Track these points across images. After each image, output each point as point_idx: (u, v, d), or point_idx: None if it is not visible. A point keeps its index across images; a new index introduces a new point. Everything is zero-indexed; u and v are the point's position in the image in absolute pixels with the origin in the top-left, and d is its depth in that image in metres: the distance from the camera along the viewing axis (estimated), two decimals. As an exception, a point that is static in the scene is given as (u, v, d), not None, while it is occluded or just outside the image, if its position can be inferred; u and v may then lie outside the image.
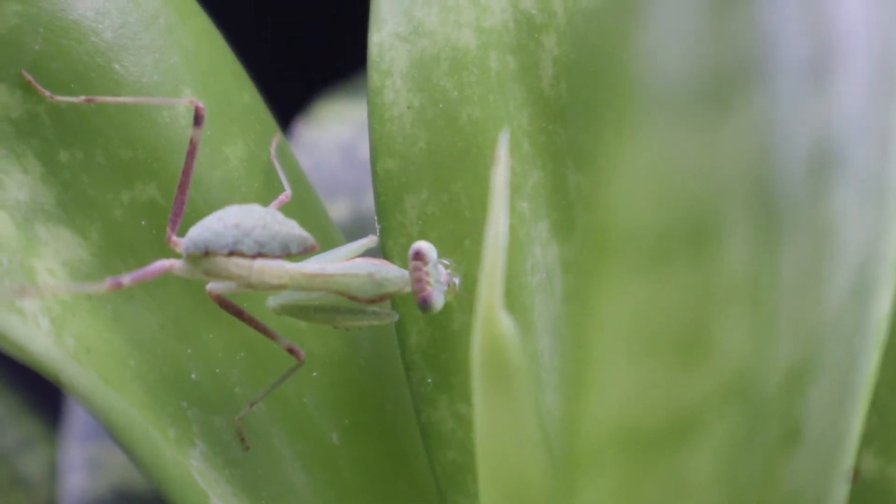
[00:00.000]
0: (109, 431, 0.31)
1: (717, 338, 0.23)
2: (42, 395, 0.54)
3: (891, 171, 0.24)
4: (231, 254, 0.33)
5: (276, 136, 0.38)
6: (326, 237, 0.38)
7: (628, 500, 0.25)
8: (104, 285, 0.31)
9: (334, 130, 0.54)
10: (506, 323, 0.26)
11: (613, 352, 0.23)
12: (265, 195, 0.36)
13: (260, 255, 0.33)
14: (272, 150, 0.37)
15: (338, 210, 0.51)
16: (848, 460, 0.28)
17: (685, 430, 0.24)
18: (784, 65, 0.21)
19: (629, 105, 0.21)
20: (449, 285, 0.34)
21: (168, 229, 0.34)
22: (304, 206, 0.38)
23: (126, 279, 0.32)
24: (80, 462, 0.50)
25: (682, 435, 0.24)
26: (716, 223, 0.22)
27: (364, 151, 0.36)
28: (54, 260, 0.34)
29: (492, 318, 0.26)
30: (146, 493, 0.49)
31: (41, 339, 0.31)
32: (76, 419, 0.50)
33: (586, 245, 0.22)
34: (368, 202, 0.36)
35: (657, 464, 0.25)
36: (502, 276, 0.26)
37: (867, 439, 0.39)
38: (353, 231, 0.36)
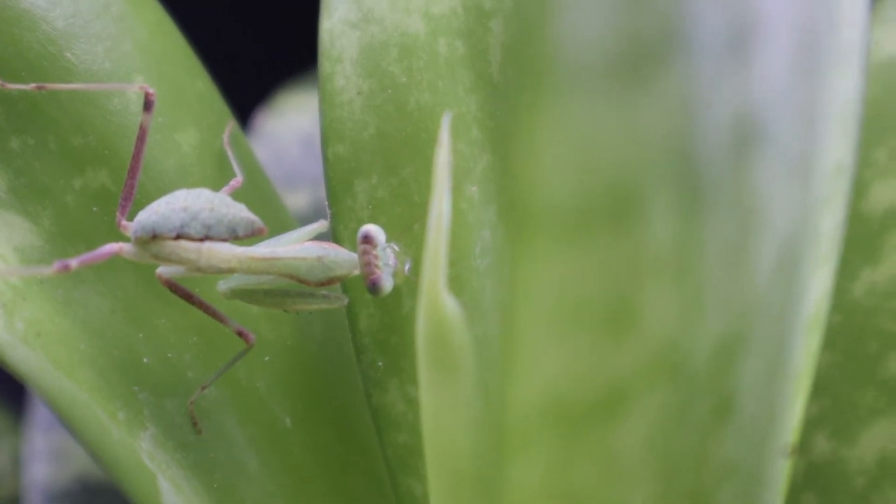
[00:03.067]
0: (56, 413, 0.31)
1: (644, 310, 0.23)
2: (5, 386, 0.54)
3: (817, 148, 0.24)
4: (178, 237, 0.33)
5: (230, 124, 0.38)
6: (280, 225, 0.38)
7: (561, 475, 0.26)
8: (52, 268, 0.32)
9: (294, 121, 0.54)
10: (449, 304, 0.27)
11: (540, 325, 0.23)
12: (218, 182, 0.37)
13: (207, 238, 0.33)
14: (225, 138, 0.37)
15: (298, 200, 0.52)
16: (784, 435, 0.28)
17: (615, 403, 0.24)
18: (702, 38, 0.21)
19: (547, 81, 0.21)
20: (397, 269, 0.34)
21: (118, 213, 0.34)
22: (258, 194, 0.38)
23: (74, 262, 0.32)
24: (44, 452, 0.50)
25: (612, 408, 0.24)
26: (637, 196, 0.22)
27: (323, 142, 0.36)
28: (5, 245, 0.34)
29: (435, 299, 0.26)
30: (110, 483, 0.49)
31: (-10, 322, 0.32)
32: (40, 410, 0.50)
33: (510, 221, 0.22)
34: (328, 192, 0.36)
35: (588, 438, 0.25)
36: (446, 258, 0.26)
37: (819, 422, 0.39)
38: (314, 220, 0.36)
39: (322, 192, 0.52)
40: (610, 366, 0.24)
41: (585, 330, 0.23)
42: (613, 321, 0.23)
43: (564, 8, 0.21)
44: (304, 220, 0.43)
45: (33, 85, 0.34)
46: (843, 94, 0.28)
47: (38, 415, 0.50)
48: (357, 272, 0.34)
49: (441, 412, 0.28)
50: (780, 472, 0.29)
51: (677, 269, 0.23)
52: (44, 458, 0.50)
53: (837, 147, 0.29)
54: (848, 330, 0.39)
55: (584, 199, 0.22)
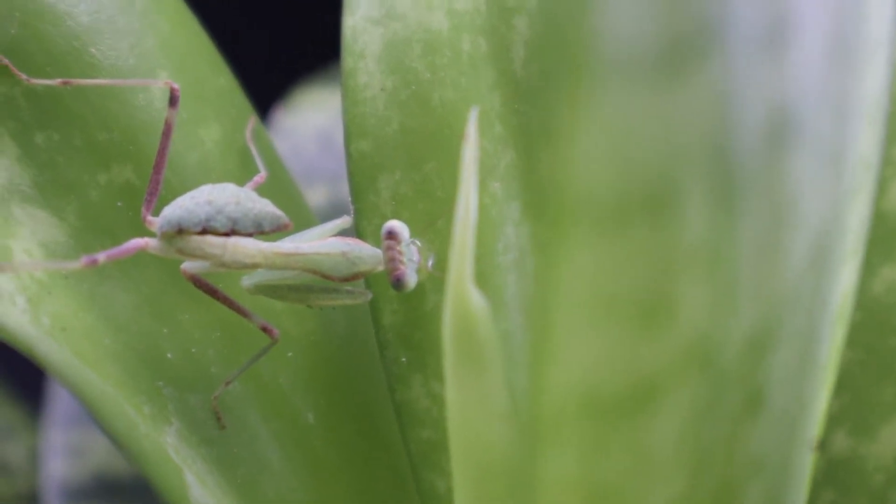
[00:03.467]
0: (84, 406, 0.31)
1: (678, 303, 0.23)
2: (23, 382, 0.55)
3: (849, 142, 0.24)
4: (204, 231, 0.33)
5: (252, 119, 0.38)
6: (302, 220, 0.38)
7: (594, 468, 0.26)
8: (79, 262, 0.32)
9: (313, 117, 0.54)
10: (476, 298, 0.27)
11: (573, 317, 0.23)
12: (241, 177, 0.37)
13: (233, 231, 0.34)
14: (247, 133, 0.37)
15: (316, 196, 0.52)
16: (812, 429, 0.28)
17: (647, 396, 0.24)
18: (739, 32, 0.21)
19: (586, 75, 0.21)
20: (421, 264, 0.34)
21: (143, 209, 0.34)
22: (280, 189, 0.38)
23: (101, 257, 0.32)
24: (61, 449, 0.50)
25: (645, 401, 0.25)
26: (673, 189, 0.22)
27: (342, 138, 0.36)
28: (31, 240, 0.34)
29: (462, 294, 0.26)
30: (128, 479, 0.50)
31: (17, 316, 0.32)
32: (58, 406, 0.51)
33: (538, 215, 0.22)
34: (346, 189, 0.37)
35: (621, 430, 0.25)
36: (472, 252, 0.26)
37: (839, 419, 0.39)
38: (331, 217, 0.37)
39: (339, 189, 0.52)
40: (643, 358, 0.24)
41: (619, 322, 0.23)
42: (647, 314, 0.23)
43: (603, 3, 0.21)
44: (322, 216, 0.43)
45: (58, 80, 0.35)
46: (872, 87, 0.29)
47: (56, 411, 0.50)
48: (381, 268, 0.34)
49: (467, 406, 0.28)
50: (806, 466, 0.29)
51: (711, 263, 0.23)
52: (61, 453, 0.50)
53: (864, 141, 0.29)
54: (868, 327, 0.39)
55: (621, 191, 0.22)
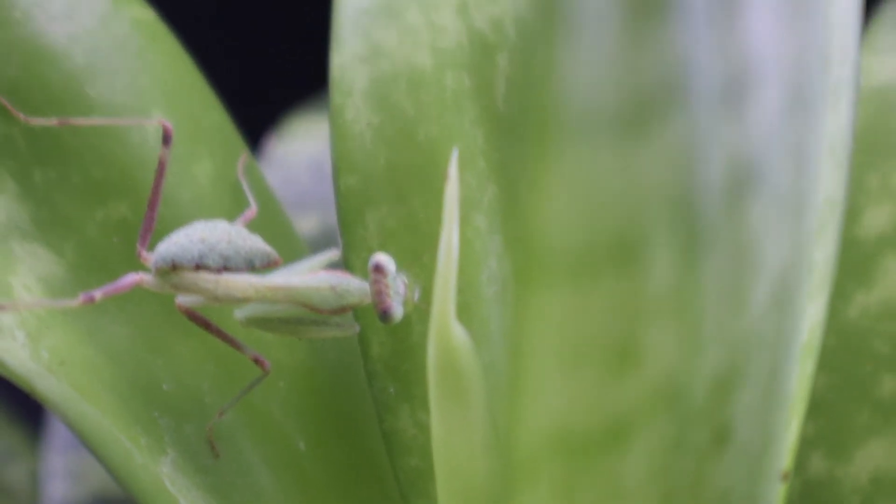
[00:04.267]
0: (82, 440, 0.32)
1: (645, 348, 0.24)
2: (24, 406, 0.56)
3: (808, 187, 0.26)
4: (197, 267, 0.35)
5: (244, 155, 0.39)
6: (292, 250, 0.39)
7: (567, 503, 0.27)
8: (77, 300, 0.33)
9: (304, 146, 0.55)
10: (459, 333, 0.28)
11: (545, 360, 0.24)
12: (233, 212, 0.38)
13: (225, 268, 0.35)
14: (239, 169, 0.39)
15: (307, 223, 0.53)
16: (779, 462, 0.29)
17: (618, 435, 0.26)
18: (700, 89, 0.22)
19: (553, 128, 0.22)
20: (407, 297, 0.35)
21: (138, 244, 0.35)
22: (271, 222, 0.39)
23: (98, 294, 0.33)
24: (61, 471, 0.51)
25: (616, 440, 0.26)
26: (639, 240, 0.23)
27: (332, 167, 0.37)
28: (30, 276, 0.35)
29: (445, 329, 0.28)
30: (125, 502, 0.51)
31: (17, 351, 0.33)
32: (57, 430, 0.52)
33: (516, 254, 0.23)
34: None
35: (592, 468, 0.26)
36: (455, 288, 0.27)
37: (815, 442, 0.40)
38: (323, 244, 0.38)
39: (331, 216, 0.53)
40: (613, 399, 0.25)
41: (589, 365, 0.24)
42: (616, 357, 0.24)
43: (568, 58, 0.22)
44: (314, 242, 0.44)
45: (55, 120, 0.36)
46: (834, 130, 0.30)
47: (56, 435, 0.51)
48: (368, 301, 0.35)
49: (451, 438, 0.30)
50: (775, 496, 0.30)
51: (677, 308, 0.24)
52: (61, 476, 0.51)
53: (829, 181, 0.30)
54: (843, 352, 0.40)
55: (588, 243, 0.23)
